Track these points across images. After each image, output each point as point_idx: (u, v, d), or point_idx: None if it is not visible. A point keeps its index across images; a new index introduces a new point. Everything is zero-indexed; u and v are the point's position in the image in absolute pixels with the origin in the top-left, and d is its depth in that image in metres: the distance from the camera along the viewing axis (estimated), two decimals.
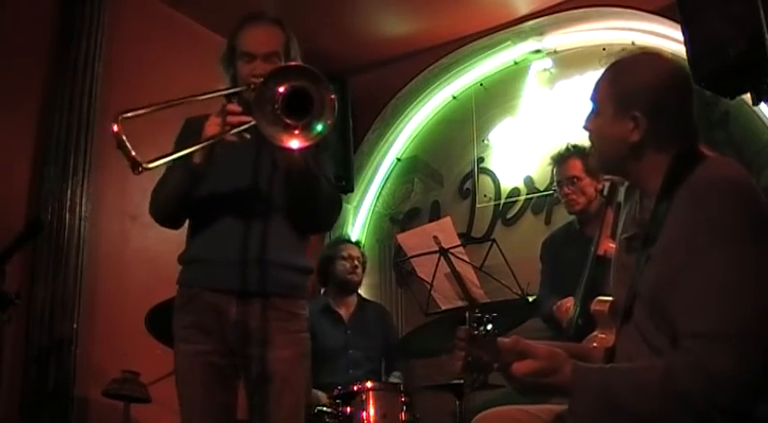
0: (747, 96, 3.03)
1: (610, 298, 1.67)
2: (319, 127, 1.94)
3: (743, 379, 1.33)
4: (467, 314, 1.59)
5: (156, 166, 1.87)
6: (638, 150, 1.61)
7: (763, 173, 3.88)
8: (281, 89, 1.95)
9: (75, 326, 3.60)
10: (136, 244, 4.09)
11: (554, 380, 1.44)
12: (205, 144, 2.03)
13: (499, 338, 1.51)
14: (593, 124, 1.70)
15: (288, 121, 1.94)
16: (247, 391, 2.18)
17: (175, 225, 2.30)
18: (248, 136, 2.03)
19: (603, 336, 2.22)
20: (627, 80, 1.64)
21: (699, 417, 1.34)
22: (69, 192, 3.71)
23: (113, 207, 4.04)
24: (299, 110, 1.94)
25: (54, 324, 3.53)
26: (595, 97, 1.70)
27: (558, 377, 1.44)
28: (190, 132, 2.24)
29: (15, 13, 3.75)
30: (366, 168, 5.38)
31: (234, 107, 2.07)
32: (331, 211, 2.24)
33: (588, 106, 1.74)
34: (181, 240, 2.41)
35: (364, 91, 5.10)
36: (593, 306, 1.79)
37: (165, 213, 2.25)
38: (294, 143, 1.94)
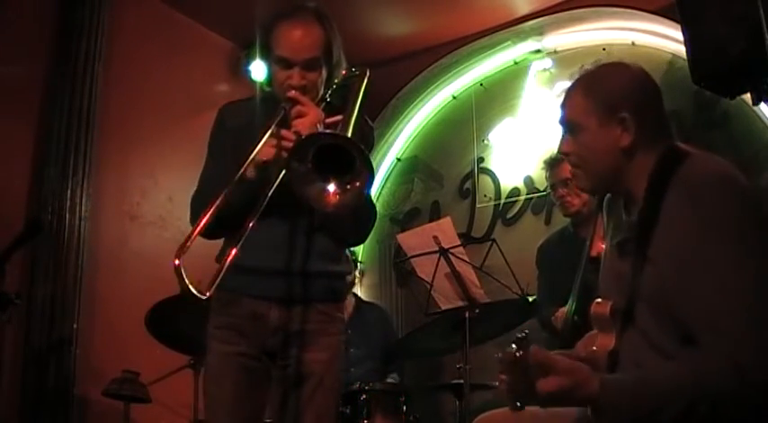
0: (747, 96, 3.03)
1: (609, 301, 1.67)
2: (348, 186, 1.85)
3: (762, 364, 1.33)
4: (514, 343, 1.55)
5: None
6: (630, 155, 1.57)
7: (763, 173, 3.88)
8: (312, 150, 1.84)
9: (75, 326, 3.60)
10: (136, 244, 4.10)
11: (581, 395, 1.39)
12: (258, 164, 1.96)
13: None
14: (573, 146, 1.64)
15: (324, 175, 1.85)
16: (280, 392, 2.16)
17: (218, 238, 2.20)
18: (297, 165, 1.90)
19: (603, 340, 2.22)
20: (604, 87, 1.59)
21: (726, 409, 1.34)
22: (69, 192, 3.71)
23: (113, 207, 4.05)
24: (335, 165, 1.84)
25: (54, 324, 3.54)
26: (569, 118, 1.64)
27: (584, 392, 1.39)
28: (222, 127, 2.17)
29: (15, 13, 3.75)
30: None
31: (288, 134, 1.96)
32: (366, 227, 2.20)
33: (559, 131, 1.67)
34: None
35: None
36: (594, 308, 1.79)
37: (213, 231, 2.09)
38: (331, 200, 1.86)
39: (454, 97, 5.23)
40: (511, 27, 4.78)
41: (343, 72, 2.20)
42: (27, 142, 3.77)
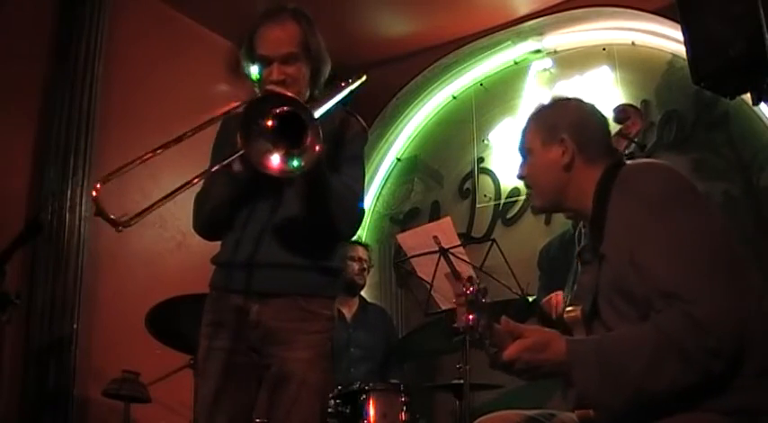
0: (747, 96, 3.03)
1: (579, 305, 1.79)
2: (295, 163, 1.87)
3: (721, 319, 1.41)
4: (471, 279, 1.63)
5: (136, 222, 1.86)
6: (572, 172, 1.74)
7: (763, 173, 3.88)
8: (277, 110, 1.89)
9: (75, 326, 3.60)
10: (136, 244, 4.09)
11: (549, 355, 1.51)
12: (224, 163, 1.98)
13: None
14: (526, 169, 1.83)
15: (276, 143, 1.88)
16: (266, 391, 2.17)
17: (220, 236, 2.25)
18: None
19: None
20: (548, 115, 1.82)
21: (694, 365, 1.41)
22: (69, 192, 3.71)
23: (113, 207, 4.04)
24: (289, 135, 1.88)
25: (54, 324, 3.53)
26: (522, 143, 1.85)
27: (552, 352, 1.51)
28: (228, 134, 2.18)
29: (15, 13, 3.75)
30: (366, 168, 5.37)
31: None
32: (348, 220, 2.19)
33: (519, 158, 1.86)
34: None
35: (364, 91, 5.09)
36: (566, 316, 1.83)
37: (211, 226, 2.21)
38: (272, 165, 1.88)
39: (454, 97, 5.23)
40: (511, 27, 4.78)
41: (343, 83, 2.26)
42: (27, 142, 3.76)
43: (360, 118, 2.31)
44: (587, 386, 1.49)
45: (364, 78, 2.31)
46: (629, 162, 1.73)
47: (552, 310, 3.13)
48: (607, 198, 1.64)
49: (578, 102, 1.85)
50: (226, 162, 1.98)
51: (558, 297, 3.12)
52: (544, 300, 3.22)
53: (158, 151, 1.95)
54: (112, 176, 1.85)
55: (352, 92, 2.25)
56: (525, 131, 1.85)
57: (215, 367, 2.11)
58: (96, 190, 1.81)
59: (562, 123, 1.76)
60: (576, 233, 1.87)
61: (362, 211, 2.25)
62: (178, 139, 1.97)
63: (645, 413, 1.46)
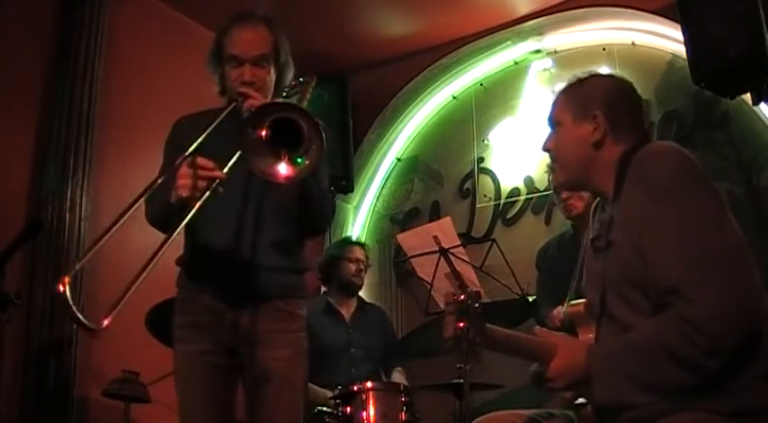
0: (747, 96, 3.04)
1: (582, 300, 1.75)
2: (299, 160, 1.90)
3: (717, 317, 1.39)
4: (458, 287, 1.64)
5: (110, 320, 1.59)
6: (600, 150, 1.68)
7: (763, 173, 3.88)
8: (269, 120, 1.91)
9: (75, 326, 3.60)
10: (136, 244, 4.08)
11: (581, 365, 1.55)
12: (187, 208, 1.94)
13: (502, 329, 1.66)
14: (553, 142, 1.77)
15: (277, 151, 1.90)
16: (247, 391, 2.18)
17: (171, 232, 2.21)
18: (221, 190, 1.94)
19: (584, 335, 2.25)
20: (581, 89, 1.75)
21: (692, 367, 1.41)
22: (69, 192, 3.71)
23: (113, 207, 4.04)
24: (287, 139, 1.90)
25: (54, 324, 3.53)
26: (553, 116, 1.77)
27: (578, 365, 1.55)
28: (180, 138, 2.18)
29: (15, 13, 3.75)
30: (366, 168, 5.38)
31: (204, 162, 1.95)
32: (321, 219, 2.23)
33: (547, 130, 1.81)
34: (180, 241, 2.41)
35: (364, 91, 5.10)
36: (569, 310, 1.85)
37: (165, 221, 2.18)
38: (281, 173, 1.90)
39: (454, 97, 5.23)
40: (511, 27, 4.78)
41: (293, 82, 2.30)
42: (27, 142, 3.76)
43: (318, 120, 2.32)
44: (600, 394, 1.52)
45: (315, 81, 2.33)
46: (649, 143, 1.67)
47: (556, 325, 3.15)
48: (623, 181, 1.61)
49: (614, 78, 1.80)
50: (210, 191, 1.95)
51: (557, 312, 3.13)
52: (549, 316, 3.22)
53: (126, 215, 1.98)
54: (75, 267, 1.80)
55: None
56: (556, 103, 1.78)
57: (197, 372, 2.13)
58: (63, 284, 1.59)
59: (596, 99, 1.70)
60: (592, 217, 1.85)
61: (335, 207, 2.28)
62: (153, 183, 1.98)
63: (647, 413, 1.47)
